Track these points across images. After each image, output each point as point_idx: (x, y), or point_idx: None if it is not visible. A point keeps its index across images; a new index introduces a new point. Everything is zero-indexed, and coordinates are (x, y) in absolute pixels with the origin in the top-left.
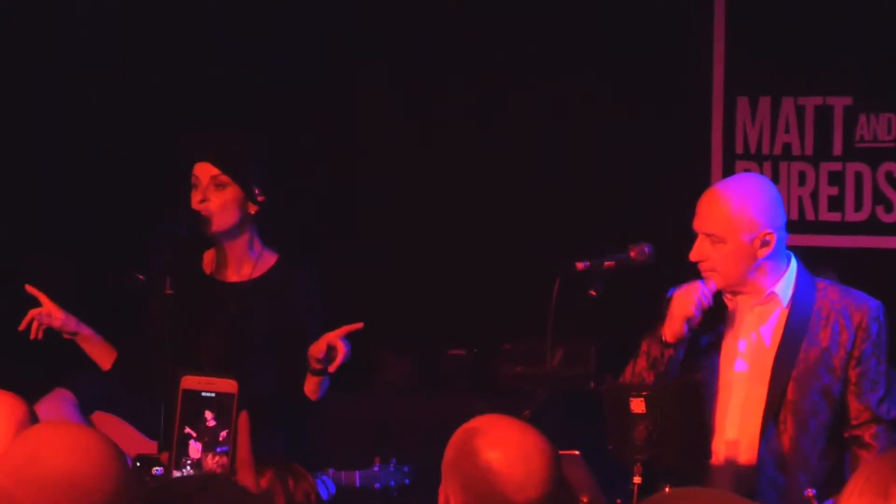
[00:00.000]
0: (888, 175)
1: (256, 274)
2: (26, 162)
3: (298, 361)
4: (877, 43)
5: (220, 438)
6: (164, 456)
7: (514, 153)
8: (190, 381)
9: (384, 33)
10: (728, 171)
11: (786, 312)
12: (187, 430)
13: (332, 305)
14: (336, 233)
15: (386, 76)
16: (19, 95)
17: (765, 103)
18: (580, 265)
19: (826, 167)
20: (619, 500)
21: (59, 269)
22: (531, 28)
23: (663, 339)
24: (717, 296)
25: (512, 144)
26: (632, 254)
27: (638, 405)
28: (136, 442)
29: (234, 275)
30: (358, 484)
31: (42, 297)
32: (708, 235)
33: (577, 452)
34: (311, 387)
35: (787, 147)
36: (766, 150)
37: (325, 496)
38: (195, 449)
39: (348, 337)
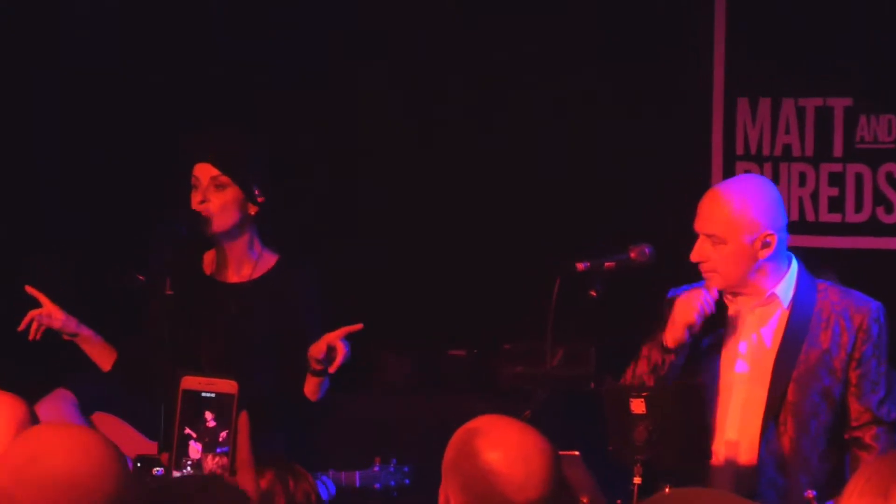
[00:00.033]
0: (888, 176)
1: (256, 274)
2: (26, 162)
3: (298, 362)
4: (877, 44)
5: (220, 439)
6: (165, 456)
7: (514, 153)
8: (190, 382)
9: (384, 33)
10: (728, 172)
11: (786, 314)
12: (187, 430)
13: (332, 305)
14: (336, 233)
15: (386, 76)
16: (19, 95)
17: (765, 104)
18: (580, 266)
19: (826, 168)
20: (619, 501)
21: (59, 269)
22: (531, 28)
23: (664, 344)
24: (718, 297)
25: (512, 144)
26: (632, 254)
27: (638, 406)
28: (136, 442)
29: (234, 275)
30: (358, 484)
31: (42, 298)
32: (709, 236)
33: (577, 453)
34: (311, 387)
35: (787, 148)
36: (766, 152)
37: (325, 497)
38: (195, 449)
39: (348, 337)
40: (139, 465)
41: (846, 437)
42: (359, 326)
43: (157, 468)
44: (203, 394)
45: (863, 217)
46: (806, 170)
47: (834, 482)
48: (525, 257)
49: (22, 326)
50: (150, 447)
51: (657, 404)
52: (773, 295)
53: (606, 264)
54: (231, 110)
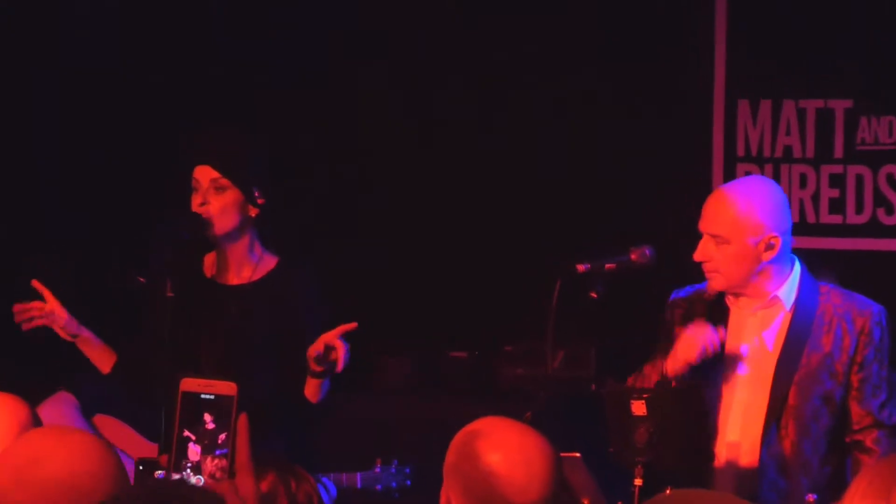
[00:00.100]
0: (889, 177)
1: (257, 277)
2: (26, 162)
3: (299, 363)
4: (877, 45)
5: (220, 441)
6: (165, 458)
7: (514, 153)
8: (189, 384)
9: (384, 33)
10: (729, 174)
11: (789, 317)
12: (186, 432)
13: (332, 306)
14: (336, 233)
15: (386, 76)
16: (19, 95)
17: (766, 106)
18: (581, 267)
19: (827, 170)
20: (619, 503)
21: (59, 269)
22: (531, 28)
23: (664, 371)
24: (720, 297)
25: (512, 144)
26: (632, 256)
27: (639, 407)
28: (137, 444)
29: (234, 278)
30: (359, 485)
31: (47, 295)
32: (713, 236)
33: (578, 455)
34: (312, 389)
35: (788, 149)
36: (767, 153)
37: (326, 498)
38: (194, 452)
39: (349, 338)
40: (140, 468)
41: (847, 440)
42: (353, 325)
43: (160, 471)
44: (202, 396)
45: (863, 218)
46: (806, 171)
47: (835, 485)
48: (525, 258)
49: (22, 316)
50: (151, 449)
51: (658, 406)
52: (776, 297)
53: (607, 266)
54: (231, 110)
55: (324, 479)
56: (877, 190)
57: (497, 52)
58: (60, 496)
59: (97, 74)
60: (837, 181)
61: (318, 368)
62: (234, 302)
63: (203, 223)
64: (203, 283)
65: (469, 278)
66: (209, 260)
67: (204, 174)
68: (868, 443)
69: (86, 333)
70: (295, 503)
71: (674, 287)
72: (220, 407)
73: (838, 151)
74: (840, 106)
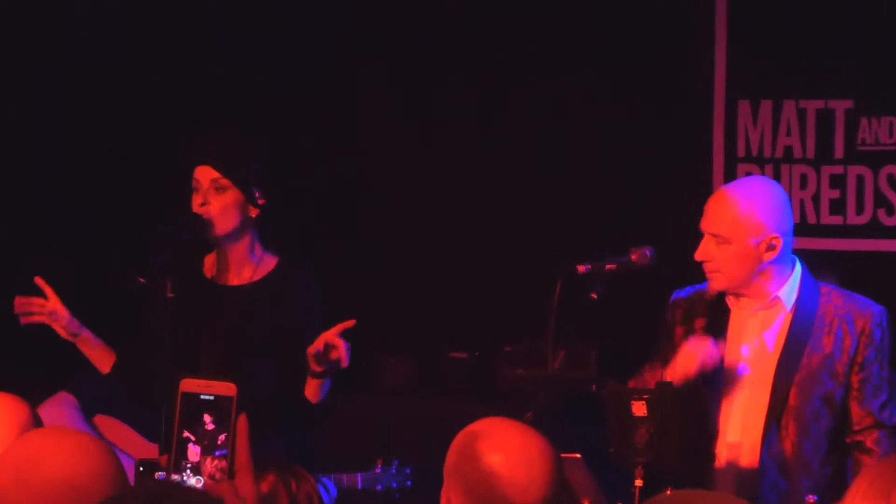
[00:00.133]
0: (890, 178)
1: (257, 277)
2: (26, 162)
3: (299, 363)
4: (878, 46)
5: (219, 442)
6: (165, 459)
7: (514, 153)
8: (188, 384)
9: (384, 33)
10: (729, 174)
11: (789, 317)
12: (186, 433)
13: (332, 306)
14: (336, 233)
15: (386, 76)
16: (19, 95)
17: (766, 106)
18: (581, 268)
19: (827, 170)
20: (620, 503)
21: (59, 269)
22: (531, 28)
23: (664, 378)
24: (721, 298)
25: (512, 144)
26: (633, 257)
27: (639, 408)
28: (138, 445)
29: (234, 278)
30: (360, 486)
31: (50, 293)
32: (714, 236)
33: (578, 455)
34: (312, 390)
35: (788, 150)
36: (767, 153)
37: (326, 499)
38: (194, 452)
39: (349, 337)
40: (141, 469)
41: (848, 441)
42: (352, 322)
43: (160, 473)
44: (202, 396)
45: (864, 219)
46: (807, 172)
47: (835, 486)
48: (525, 258)
49: (20, 307)
50: (151, 450)
51: (658, 406)
52: (777, 298)
53: (607, 266)
54: (231, 110)
55: (324, 480)
56: (877, 190)
57: (497, 52)
58: (59, 497)
59: (97, 74)
60: (838, 182)
61: (318, 368)
62: (234, 302)
63: (203, 224)
64: (203, 283)
65: (469, 278)
66: (209, 261)
67: (204, 174)
68: (869, 443)
69: (86, 333)
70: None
71: (674, 288)
72: (219, 408)
73: (839, 152)
74: (840, 106)
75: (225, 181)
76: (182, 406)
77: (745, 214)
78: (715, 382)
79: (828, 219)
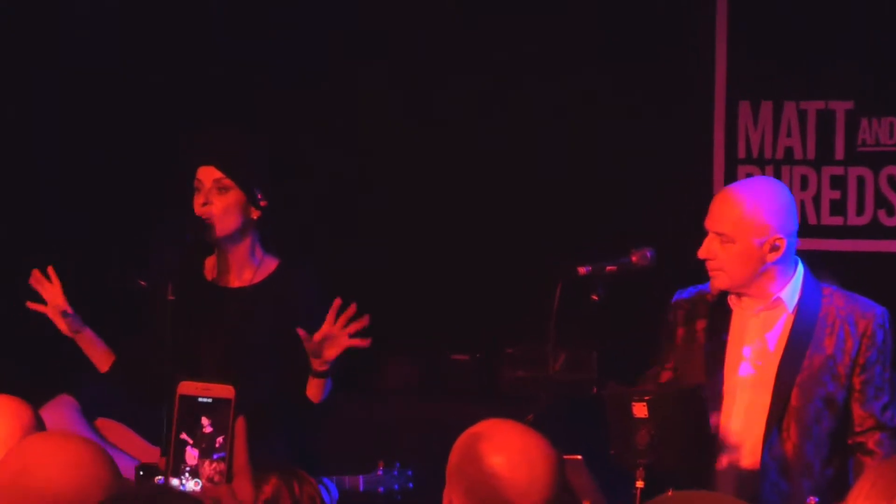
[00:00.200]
0: (890, 179)
1: (257, 279)
2: (26, 162)
3: (299, 363)
4: (878, 47)
5: (217, 445)
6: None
7: (514, 153)
8: (187, 387)
9: (384, 33)
10: (730, 175)
11: (791, 318)
12: (184, 436)
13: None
14: (336, 233)
15: (386, 76)
16: (19, 95)
17: (767, 107)
18: (582, 270)
19: (828, 171)
20: None
21: (59, 270)
22: (531, 28)
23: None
24: (723, 298)
25: (512, 144)
26: (633, 258)
27: (640, 410)
28: (139, 447)
29: (235, 280)
30: (361, 488)
31: (56, 285)
32: (718, 234)
33: (579, 457)
34: (314, 389)
35: (788, 151)
36: (768, 154)
37: (328, 500)
38: (192, 455)
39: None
40: (141, 473)
41: (849, 442)
42: (338, 301)
43: (160, 477)
44: (200, 399)
45: (864, 220)
46: (807, 173)
47: (837, 487)
48: (526, 259)
49: (35, 281)
50: (153, 452)
51: (659, 408)
52: (779, 299)
53: (608, 268)
54: (231, 110)
55: (326, 482)
56: (878, 191)
57: (497, 52)
58: None
59: (97, 74)
60: (838, 182)
61: (322, 368)
62: (235, 304)
63: (204, 225)
64: (204, 285)
65: (470, 280)
66: (210, 263)
67: (207, 175)
68: (870, 445)
69: (87, 331)
70: None
71: (675, 289)
72: (217, 410)
73: (839, 153)
74: (841, 107)
75: (228, 181)
76: (180, 409)
77: (750, 214)
78: (716, 380)
79: (828, 220)
